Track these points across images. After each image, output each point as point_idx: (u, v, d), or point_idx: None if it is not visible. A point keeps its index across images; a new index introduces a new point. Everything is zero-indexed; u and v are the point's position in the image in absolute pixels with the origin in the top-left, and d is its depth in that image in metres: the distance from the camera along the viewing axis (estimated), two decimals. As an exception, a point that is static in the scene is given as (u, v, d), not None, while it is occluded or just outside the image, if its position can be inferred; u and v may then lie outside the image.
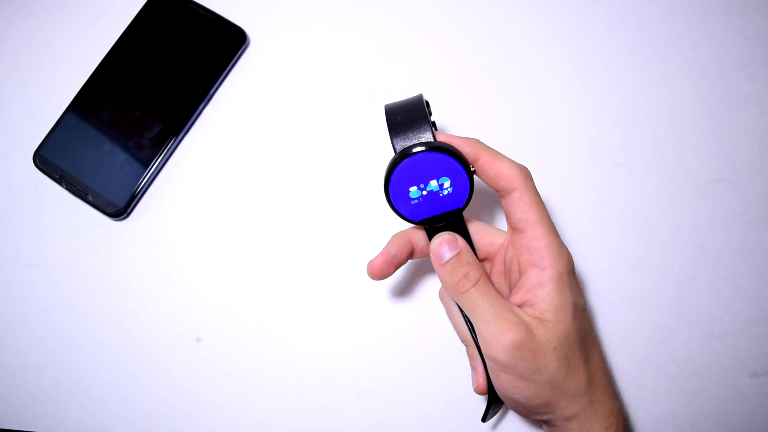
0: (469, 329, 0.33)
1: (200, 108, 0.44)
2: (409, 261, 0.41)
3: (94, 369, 0.40)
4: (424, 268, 0.41)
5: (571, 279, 0.31)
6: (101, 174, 0.42)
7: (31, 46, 0.47)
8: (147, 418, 0.39)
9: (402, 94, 0.34)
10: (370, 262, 0.34)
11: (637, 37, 0.45)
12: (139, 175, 0.42)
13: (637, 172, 0.42)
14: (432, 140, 0.31)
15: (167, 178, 0.43)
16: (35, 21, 0.47)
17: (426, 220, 0.32)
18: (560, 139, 0.43)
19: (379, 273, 0.34)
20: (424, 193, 0.31)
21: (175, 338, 0.40)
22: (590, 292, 0.40)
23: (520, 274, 0.32)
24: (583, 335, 0.31)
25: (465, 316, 0.33)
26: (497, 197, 0.34)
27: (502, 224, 0.36)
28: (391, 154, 0.31)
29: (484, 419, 0.35)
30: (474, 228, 0.34)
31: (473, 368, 0.35)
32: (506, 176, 0.31)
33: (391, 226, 0.35)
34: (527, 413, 0.32)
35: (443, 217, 0.32)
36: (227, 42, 0.44)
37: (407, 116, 0.31)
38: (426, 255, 0.35)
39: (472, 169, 0.31)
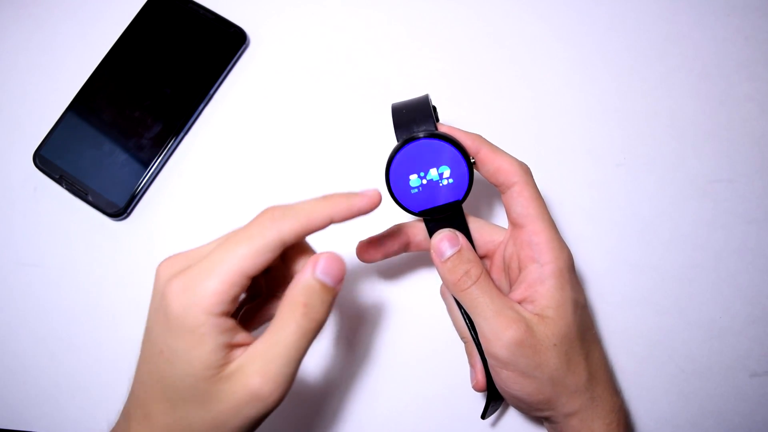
0: (468, 326, 0.33)
1: (200, 108, 0.44)
2: (409, 255, 0.41)
3: (94, 369, 0.40)
4: (424, 263, 0.41)
5: (572, 275, 0.32)
6: (101, 174, 0.42)
7: (31, 46, 0.47)
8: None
9: (402, 93, 0.34)
10: (360, 242, 0.34)
11: (637, 37, 0.45)
12: (139, 175, 0.42)
13: (637, 172, 0.42)
14: (434, 130, 0.31)
15: (167, 178, 0.43)
16: (35, 21, 0.47)
17: (426, 211, 0.32)
18: (560, 139, 0.43)
19: (366, 255, 0.34)
20: (424, 182, 0.31)
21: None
22: (590, 291, 0.40)
23: (520, 270, 0.32)
24: (584, 332, 0.31)
25: (464, 314, 0.33)
26: (497, 194, 0.34)
27: (502, 221, 0.36)
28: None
29: (483, 416, 0.35)
30: (474, 225, 0.34)
31: (472, 365, 0.35)
32: (506, 171, 0.31)
33: (391, 222, 0.35)
34: (528, 410, 0.32)
35: (443, 209, 0.32)
36: (227, 42, 0.44)
37: (411, 111, 0.32)
38: (422, 249, 0.36)
39: (472, 160, 0.31)
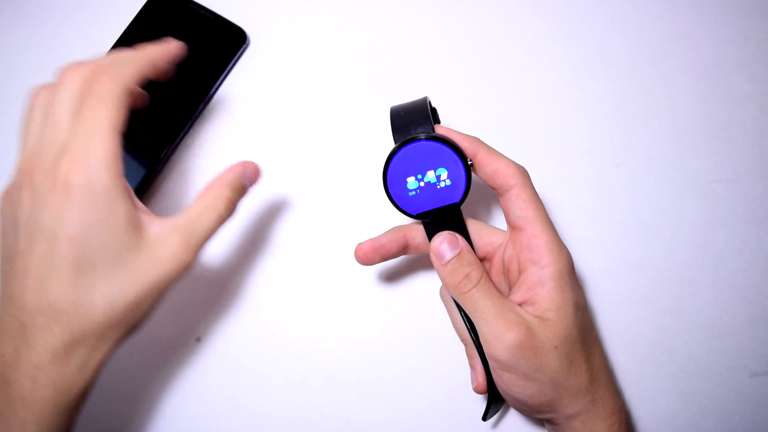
0: (468, 329, 0.33)
1: (200, 107, 0.44)
2: (408, 257, 0.41)
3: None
4: (424, 265, 0.41)
5: (572, 277, 0.32)
6: None
7: (31, 46, 0.47)
8: (147, 417, 0.39)
9: (402, 93, 0.34)
10: (358, 245, 0.34)
11: (637, 37, 0.45)
12: (139, 175, 0.42)
13: (637, 172, 0.42)
14: (431, 132, 0.31)
15: (167, 178, 0.43)
16: (35, 21, 0.47)
17: (423, 213, 0.32)
18: (560, 139, 0.43)
19: (364, 258, 0.34)
20: (422, 184, 0.31)
21: (175, 338, 0.40)
22: (590, 292, 0.40)
23: (520, 272, 0.32)
24: (585, 334, 0.31)
25: (464, 316, 0.33)
26: (496, 197, 0.34)
27: (501, 224, 0.36)
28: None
29: (484, 418, 0.35)
30: (473, 227, 0.34)
31: (472, 367, 0.35)
32: (503, 173, 0.31)
33: (391, 225, 0.35)
34: (530, 412, 0.32)
35: (441, 212, 0.32)
36: (227, 42, 0.44)
37: (409, 113, 0.32)
38: (421, 252, 0.36)
39: (469, 162, 0.31)
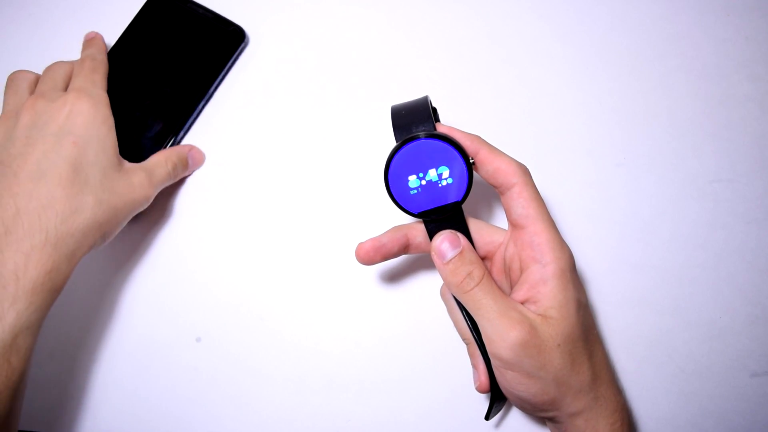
0: (470, 328, 0.33)
1: (200, 107, 0.44)
2: (409, 257, 0.41)
3: (94, 369, 0.40)
4: (425, 265, 0.41)
5: (573, 275, 0.32)
6: None
7: (31, 46, 0.47)
8: (147, 417, 0.39)
9: (402, 92, 0.34)
10: (359, 244, 0.34)
11: (637, 37, 0.45)
12: None
13: (637, 172, 0.42)
14: (433, 130, 0.31)
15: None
16: (35, 21, 0.47)
17: (425, 212, 0.32)
18: (560, 139, 0.43)
19: (365, 257, 0.34)
20: (423, 183, 0.31)
21: (175, 338, 0.40)
22: (590, 291, 0.40)
23: (522, 270, 0.32)
24: (586, 332, 0.31)
25: (466, 315, 0.33)
26: (497, 196, 0.34)
27: (502, 222, 0.36)
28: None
29: (487, 417, 0.35)
30: (473, 226, 0.34)
31: (474, 367, 0.35)
32: (505, 172, 0.31)
33: (391, 225, 0.35)
34: (533, 410, 0.32)
35: (442, 210, 0.32)
36: (226, 41, 0.44)
37: (411, 112, 0.32)
38: (422, 251, 0.36)
39: (471, 161, 0.31)
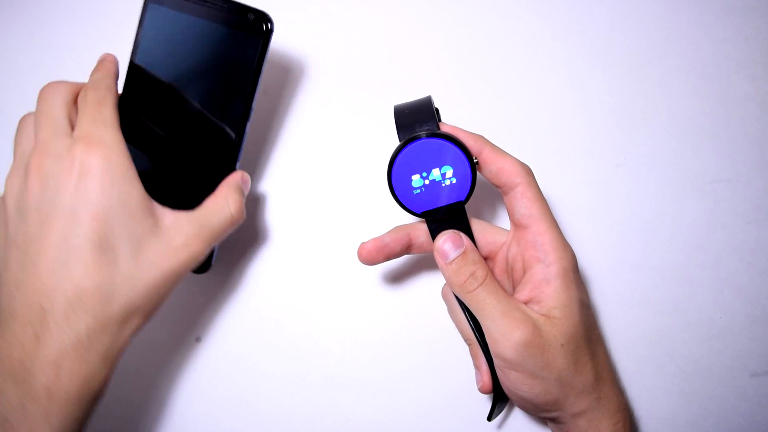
0: (473, 328, 0.33)
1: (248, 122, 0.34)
2: (411, 257, 0.41)
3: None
4: (426, 265, 0.41)
5: (576, 275, 0.32)
6: None
7: (31, 46, 0.47)
8: (146, 417, 0.39)
9: (402, 93, 0.34)
10: (362, 244, 0.34)
11: (637, 37, 0.45)
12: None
13: (637, 172, 0.42)
14: (436, 130, 0.31)
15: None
16: (35, 21, 0.47)
17: (428, 212, 0.32)
18: (560, 139, 0.43)
19: (367, 257, 0.34)
20: (427, 182, 0.31)
21: (175, 338, 0.40)
22: (591, 291, 0.40)
23: (524, 270, 0.32)
24: (589, 331, 0.32)
25: (468, 315, 0.33)
26: (499, 197, 0.34)
27: (504, 223, 0.36)
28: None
29: (489, 418, 0.35)
30: (476, 226, 0.34)
31: (477, 367, 0.35)
32: (508, 172, 0.32)
33: (393, 225, 0.35)
34: (535, 411, 0.32)
35: (446, 210, 0.32)
36: (251, 32, 0.33)
37: (414, 112, 0.32)
38: (425, 251, 0.36)
39: (475, 160, 0.31)
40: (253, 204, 0.42)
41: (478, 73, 0.44)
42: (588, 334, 0.31)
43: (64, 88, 0.31)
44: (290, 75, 0.45)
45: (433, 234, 0.33)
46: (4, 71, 0.46)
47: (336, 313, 0.40)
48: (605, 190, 0.42)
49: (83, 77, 0.44)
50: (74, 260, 0.27)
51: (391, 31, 0.46)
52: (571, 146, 0.43)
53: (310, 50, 0.45)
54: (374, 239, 0.34)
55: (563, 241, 0.32)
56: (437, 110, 0.33)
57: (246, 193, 0.34)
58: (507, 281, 0.34)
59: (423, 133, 0.31)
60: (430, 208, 0.32)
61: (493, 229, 0.35)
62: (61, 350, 0.26)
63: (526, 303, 0.31)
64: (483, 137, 0.33)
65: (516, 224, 0.33)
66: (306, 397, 0.39)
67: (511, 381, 0.31)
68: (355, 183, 0.42)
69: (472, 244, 0.32)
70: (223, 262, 0.42)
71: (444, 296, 0.37)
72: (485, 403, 0.38)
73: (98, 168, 0.28)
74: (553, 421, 0.33)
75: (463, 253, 0.31)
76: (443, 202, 0.32)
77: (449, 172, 0.31)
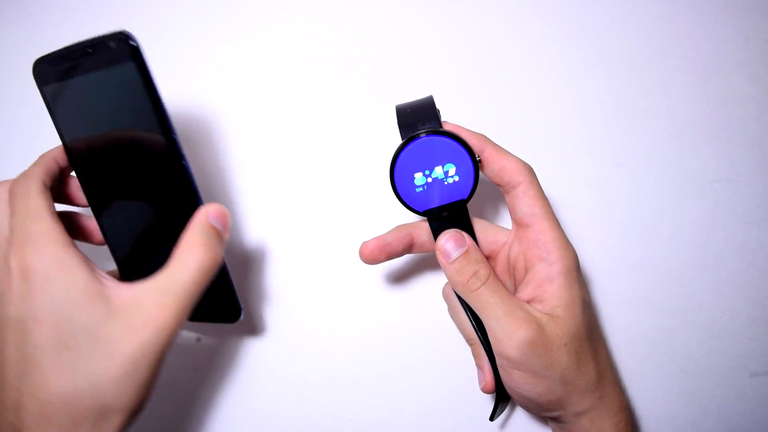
0: (475, 328, 0.33)
1: (177, 144, 0.29)
2: (412, 256, 0.41)
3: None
4: (427, 264, 0.41)
5: (578, 274, 0.32)
6: None
7: (31, 46, 0.47)
8: (146, 417, 0.39)
9: (402, 93, 0.34)
10: (364, 243, 0.34)
11: (636, 37, 0.45)
12: None
13: (637, 172, 0.42)
14: (439, 128, 0.31)
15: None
16: (35, 21, 0.47)
17: (430, 210, 0.32)
18: (560, 139, 0.43)
19: (369, 256, 0.34)
20: (429, 180, 0.31)
21: (175, 338, 0.40)
22: (591, 291, 0.40)
23: (527, 269, 0.32)
24: (591, 330, 0.32)
25: (471, 315, 0.33)
26: (501, 195, 0.34)
27: (506, 222, 0.36)
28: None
29: (492, 418, 0.35)
30: (477, 226, 0.34)
31: (479, 367, 0.35)
32: (510, 171, 0.32)
33: (394, 224, 0.35)
34: (538, 410, 0.32)
35: (448, 208, 0.32)
36: (119, 60, 0.28)
37: (416, 111, 0.32)
38: (426, 250, 0.35)
39: (478, 158, 0.31)
40: (253, 204, 0.42)
41: (479, 73, 0.44)
42: (590, 333, 0.31)
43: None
44: (290, 75, 0.45)
45: (435, 233, 0.33)
46: (4, 71, 0.46)
47: (337, 312, 0.40)
48: (605, 190, 0.42)
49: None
50: (32, 371, 0.25)
51: (391, 31, 0.46)
52: (571, 146, 0.43)
53: (310, 50, 0.46)
54: (376, 238, 0.34)
55: (565, 239, 0.32)
56: (438, 111, 0.33)
57: (224, 222, 0.29)
58: (509, 280, 0.34)
59: (425, 131, 0.31)
60: (433, 207, 0.32)
61: (495, 228, 0.35)
62: None
63: (528, 302, 0.31)
64: (485, 136, 0.33)
65: (518, 223, 0.33)
66: (306, 397, 0.39)
67: (514, 380, 0.31)
68: (357, 182, 0.42)
69: (474, 243, 0.32)
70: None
71: (445, 296, 0.37)
72: (486, 402, 0.38)
73: (34, 269, 0.26)
74: (555, 420, 0.33)
75: (466, 252, 0.31)
76: (446, 200, 0.32)
77: (452, 170, 0.31)
